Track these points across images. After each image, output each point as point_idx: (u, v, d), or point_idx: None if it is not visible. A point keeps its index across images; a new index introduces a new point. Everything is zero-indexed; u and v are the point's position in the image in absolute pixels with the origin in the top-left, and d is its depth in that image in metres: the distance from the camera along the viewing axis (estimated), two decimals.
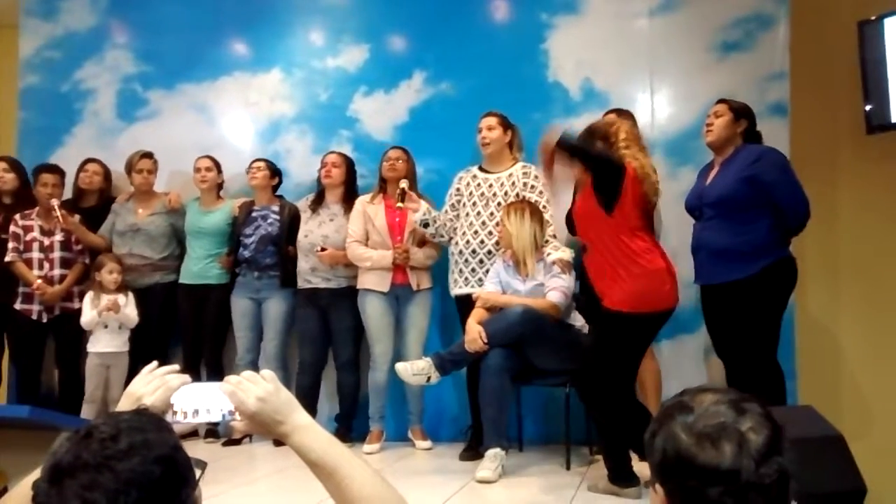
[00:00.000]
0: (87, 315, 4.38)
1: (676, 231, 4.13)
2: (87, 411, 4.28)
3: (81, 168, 4.89)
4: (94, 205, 4.89)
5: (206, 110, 5.13)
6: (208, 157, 4.78)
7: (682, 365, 4.26)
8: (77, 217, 4.68)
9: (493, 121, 4.16)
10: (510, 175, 4.14)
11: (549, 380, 3.84)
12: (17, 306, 4.61)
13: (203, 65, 5.12)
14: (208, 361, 4.65)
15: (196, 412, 1.27)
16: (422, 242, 4.34)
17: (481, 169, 4.25)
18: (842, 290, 4.56)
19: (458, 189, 4.26)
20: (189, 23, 5.16)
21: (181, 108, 5.14)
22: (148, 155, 4.81)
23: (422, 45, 4.87)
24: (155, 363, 1.31)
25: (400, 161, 4.34)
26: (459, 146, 4.49)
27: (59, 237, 4.65)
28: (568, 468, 3.68)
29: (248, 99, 5.09)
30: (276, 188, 4.74)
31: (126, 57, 5.26)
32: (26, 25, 5.41)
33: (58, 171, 4.77)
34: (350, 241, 4.35)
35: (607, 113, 4.08)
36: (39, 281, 4.55)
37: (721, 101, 3.64)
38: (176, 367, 1.32)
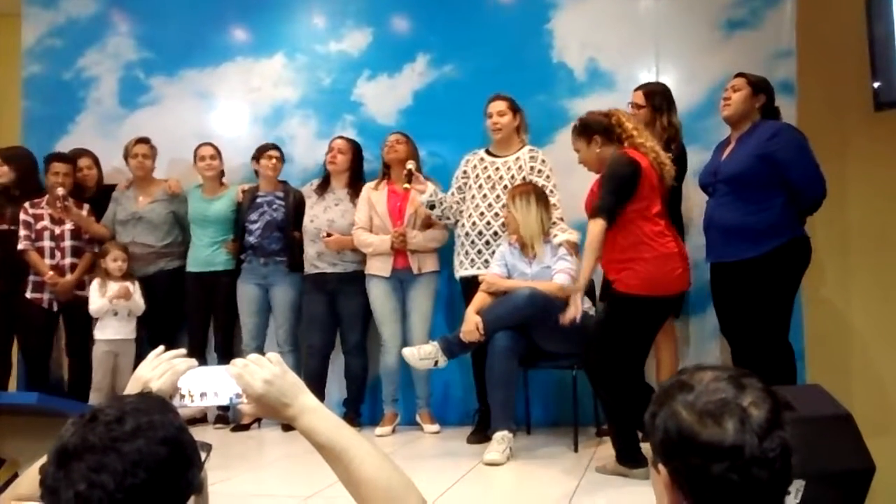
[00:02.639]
0: (97, 302, 4.39)
1: (690, 213, 4.12)
2: (95, 399, 4.30)
3: (75, 166, 4.82)
4: (92, 195, 4.89)
5: (208, 97, 5.13)
6: (210, 144, 4.76)
7: (695, 344, 4.26)
8: (86, 207, 4.68)
9: (503, 105, 4.14)
10: (517, 159, 4.13)
11: (557, 362, 3.84)
12: (28, 295, 4.61)
13: (205, 51, 5.11)
14: (219, 347, 4.66)
15: (203, 395, 1.27)
16: (426, 225, 4.33)
17: (488, 152, 4.24)
18: (851, 270, 4.53)
19: (464, 171, 4.26)
20: (190, 9, 5.14)
21: (183, 94, 5.13)
22: (144, 140, 4.80)
23: (425, 28, 4.84)
24: (161, 347, 1.31)
25: (399, 143, 4.34)
26: (464, 129, 4.48)
27: (69, 226, 4.65)
28: (576, 450, 3.69)
29: (250, 85, 5.07)
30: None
31: (127, 44, 5.25)
32: (28, 14, 5.40)
33: (69, 159, 4.77)
34: (356, 227, 4.37)
35: (637, 89, 4.06)
36: (52, 273, 4.55)
37: (739, 74, 3.58)
38: (183, 350, 1.32)
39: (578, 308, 3.28)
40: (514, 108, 4.16)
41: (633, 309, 3.11)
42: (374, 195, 4.39)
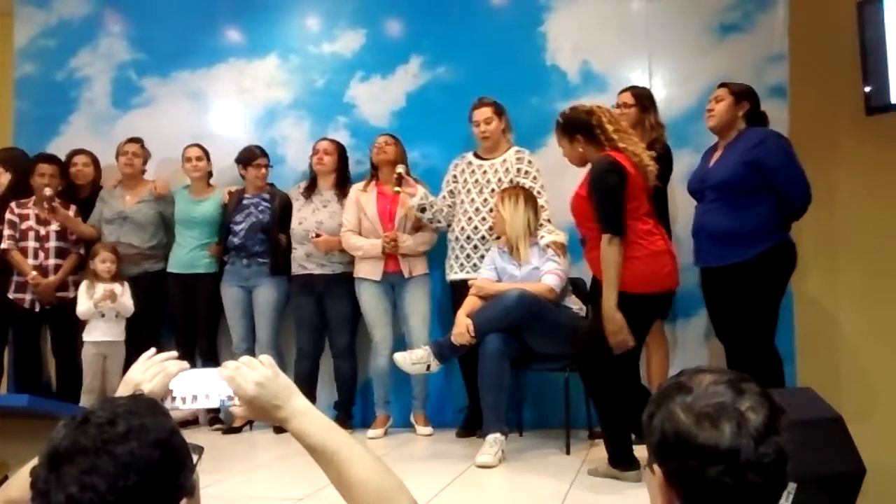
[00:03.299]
0: (84, 304, 4.36)
1: (675, 214, 4.13)
2: (86, 401, 4.27)
3: (70, 161, 4.85)
4: (87, 196, 4.87)
5: (201, 97, 5.11)
6: (197, 145, 4.74)
7: (684, 348, 4.27)
8: (73, 208, 4.66)
9: (488, 112, 4.15)
10: (504, 161, 4.16)
11: (548, 364, 3.84)
12: (10, 295, 4.60)
13: (198, 52, 5.09)
14: (203, 350, 4.64)
15: (195, 398, 1.27)
16: (416, 229, 4.33)
17: (476, 155, 4.26)
18: (840, 273, 4.55)
19: (454, 176, 4.28)
20: (183, 9, 5.13)
21: (176, 95, 5.12)
22: (135, 140, 4.79)
23: (418, 30, 4.83)
24: (153, 350, 1.31)
25: (388, 145, 4.34)
26: (457, 131, 4.47)
27: (54, 227, 4.63)
28: (568, 452, 3.68)
29: (243, 86, 5.06)
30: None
31: (120, 45, 5.23)
32: (21, 14, 5.38)
33: (55, 161, 4.75)
34: (344, 230, 4.36)
35: (623, 91, 4.09)
36: (34, 273, 4.52)
37: (722, 84, 3.62)
38: (174, 353, 1.32)
39: (624, 335, 3.08)
40: (499, 112, 4.18)
41: (624, 307, 3.11)
42: (363, 197, 4.38)
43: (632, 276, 3.09)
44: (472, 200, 4.15)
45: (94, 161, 4.94)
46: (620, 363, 3.14)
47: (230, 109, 5.11)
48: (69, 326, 4.58)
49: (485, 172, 4.17)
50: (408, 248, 4.28)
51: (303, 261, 4.46)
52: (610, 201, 3.10)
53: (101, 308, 4.36)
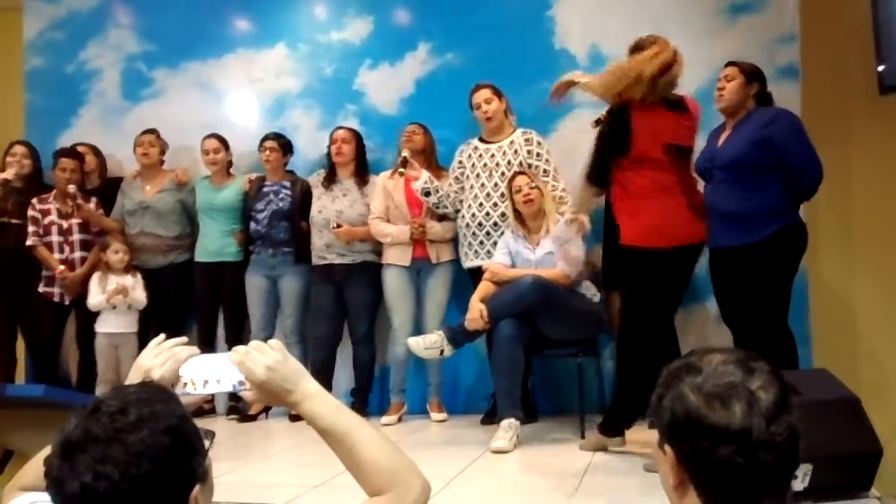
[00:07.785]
0: (95, 297, 4.40)
1: None
2: (102, 391, 4.29)
3: (82, 161, 4.86)
4: (95, 186, 4.90)
5: (211, 88, 5.11)
6: (215, 136, 4.75)
7: (695, 332, 4.24)
8: (94, 200, 4.69)
9: (488, 93, 4.16)
10: (511, 143, 4.15)
11: (562, 350, 3.84)
12: (40, 289, 4.63)
13: (207, 42, 5.09)
14: (229, 339, 4.66)
15: (206, 383, 1.27)
16: (442, 216, 4.33)
17: (482, 140, 4.24)
18: (856, 254, 4.51)
19: (460, 162, 4.27)
20: (191, 0, 5.13)
21: (186, 86, 5.13)
22: (151, 131, 4.81)
23: (426, 16, 4.81)
24: (163, 336, 1.31)
25: (416, 134, 4.34)
26: (467, 116, 4.45)
27: (77, 220, 4.66)
28: (582, 437, 3.67)
29: (252, 75, 5.06)
30: (286, 163, 4.73)
31: (129, 36, 5.24)
32: (30, 7, 5.40)
33: (76, 155, 4.78)
34: (372, 217, 4.37)
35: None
36: (62, 267, 4.55)
37: (731, 63, 3.57)
38: (184, 339, 1.32)
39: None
40: (498, 93, 4.18)
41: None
42: (390, 184, 4.38)
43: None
44: (483, 186, 4.13)
45: (94, 150, 4.96)
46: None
47: (240, 99, 5.11)
48: (95, 316, 4.60)
49: (493, 156, 4.15)
50: (436, 234, 4.29)
51: (322, 251, 4.46)
52: None
53: (114, 301, 4.38)
